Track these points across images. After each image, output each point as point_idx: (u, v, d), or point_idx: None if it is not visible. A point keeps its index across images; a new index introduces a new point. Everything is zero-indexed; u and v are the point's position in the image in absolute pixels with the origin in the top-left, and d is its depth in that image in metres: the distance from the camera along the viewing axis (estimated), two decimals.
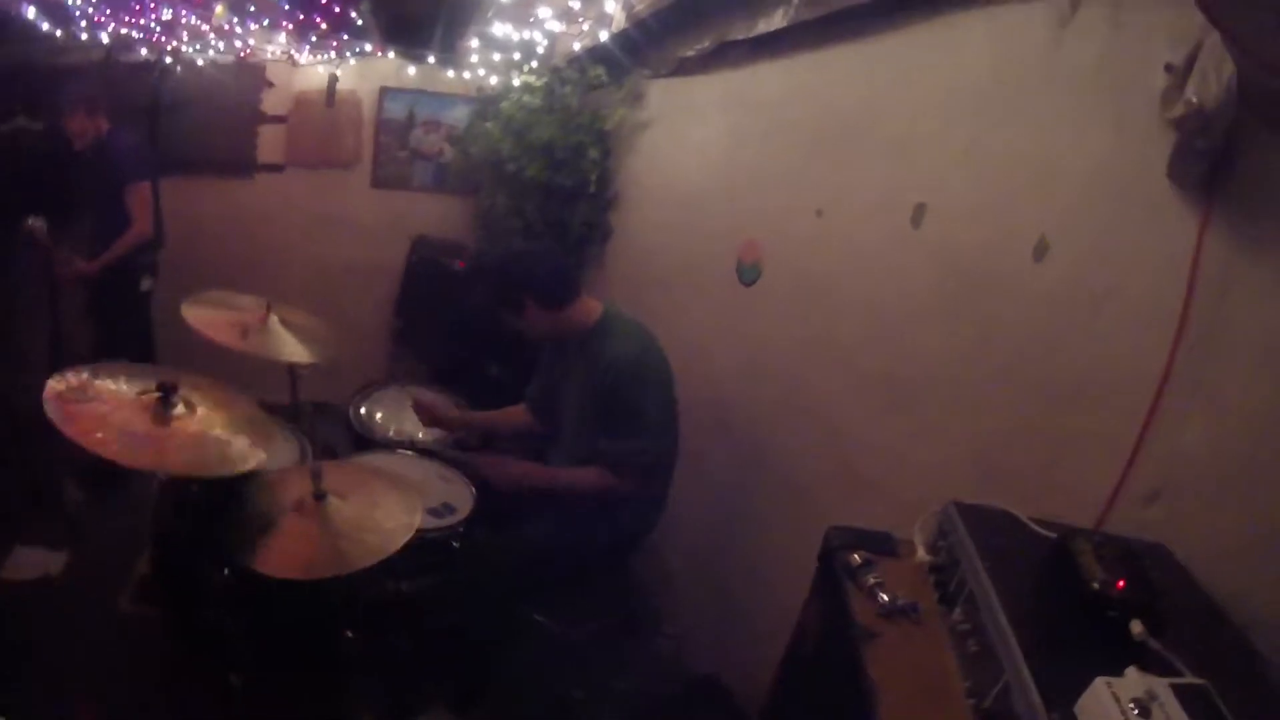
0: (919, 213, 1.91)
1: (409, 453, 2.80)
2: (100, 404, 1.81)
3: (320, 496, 1.98)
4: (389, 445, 2.88)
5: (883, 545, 1.33)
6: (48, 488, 3.64)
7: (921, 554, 1.28)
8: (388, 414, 3.13)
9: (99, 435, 1.70)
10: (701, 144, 3.26)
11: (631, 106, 3.93)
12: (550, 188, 4.18)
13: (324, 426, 2.76)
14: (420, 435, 2.98)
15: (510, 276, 2.44)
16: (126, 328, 4.01)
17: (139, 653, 2.52)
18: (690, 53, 3.09)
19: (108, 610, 2.80)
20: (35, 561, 3.20)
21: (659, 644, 3.02)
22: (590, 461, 2.33)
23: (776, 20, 2.40)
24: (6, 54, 4.36)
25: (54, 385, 1.81)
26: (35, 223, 3.57)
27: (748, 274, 2.78)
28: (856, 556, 1.26)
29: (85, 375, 1.88)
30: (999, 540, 1.15)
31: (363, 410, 3.10)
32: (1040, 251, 1.52)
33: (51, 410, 1.72)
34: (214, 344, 2.19)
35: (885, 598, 1.17)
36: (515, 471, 2.50)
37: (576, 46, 3.75)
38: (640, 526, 2.55)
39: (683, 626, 3.02)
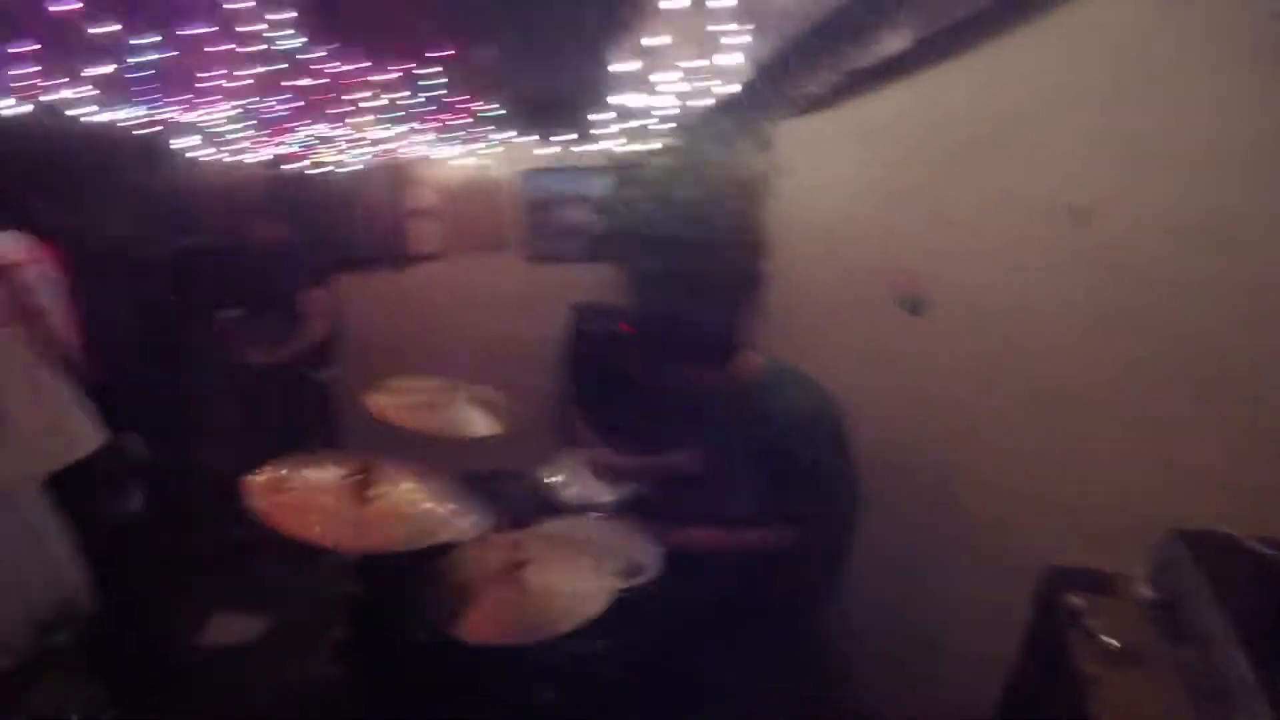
0: (1078, 215, 1.77)
1: (594, 515, 2.82)
2: (300, 492, 1.96)
3: (516, 564, 2.05)
4: (574, 510, 2.90)
5: (1099, 583, 1.23)
6: (245, 555, 3.97)
7: (1143, 590, 1.17)
8: (569, 478, 3.14)
9: (302, 522, 1.83)
10: (840, 178, 3.21)
11: (765, 151, 3.94)
12: (697, 243, 4.23)
13: (509, 495, 2.86)
14: (602, 498, 2.99)
15: (672, 336, 2.46)
16: (309, 414, 4.39)
17: (336, 716, 2.68)
18: (816, 89, 3.07)
19: (305, 673, 2.98)
20: (234, 627, 3.47)
21: (849, 698, 2.90)
22: (766, 520, 2.28)
23: (898, 42, 2.35)
24: (176, 177, 5.01)
25: (255, 478, 1.96)
26: (227, 316, 4.02)
27: (906, 303, 2.67)
28: (1074, 598, 1.18)
29: (284, 470, 2.04)
30: (1229, 569, 1.04)
31: (545, 477, 3.13)
32: (1226, 243, 1.36)
33: (253, 501, 1.87)
34: (397, 427, 2.37)
35: (1109, 641, 1.09)
36: (699, 538, 2.47)
37: (704, 102, 3.80)
38: (823, 580, 2.47)
39: (874, 679, 2.88)
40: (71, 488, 2.75)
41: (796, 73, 3.17)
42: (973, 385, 2.28)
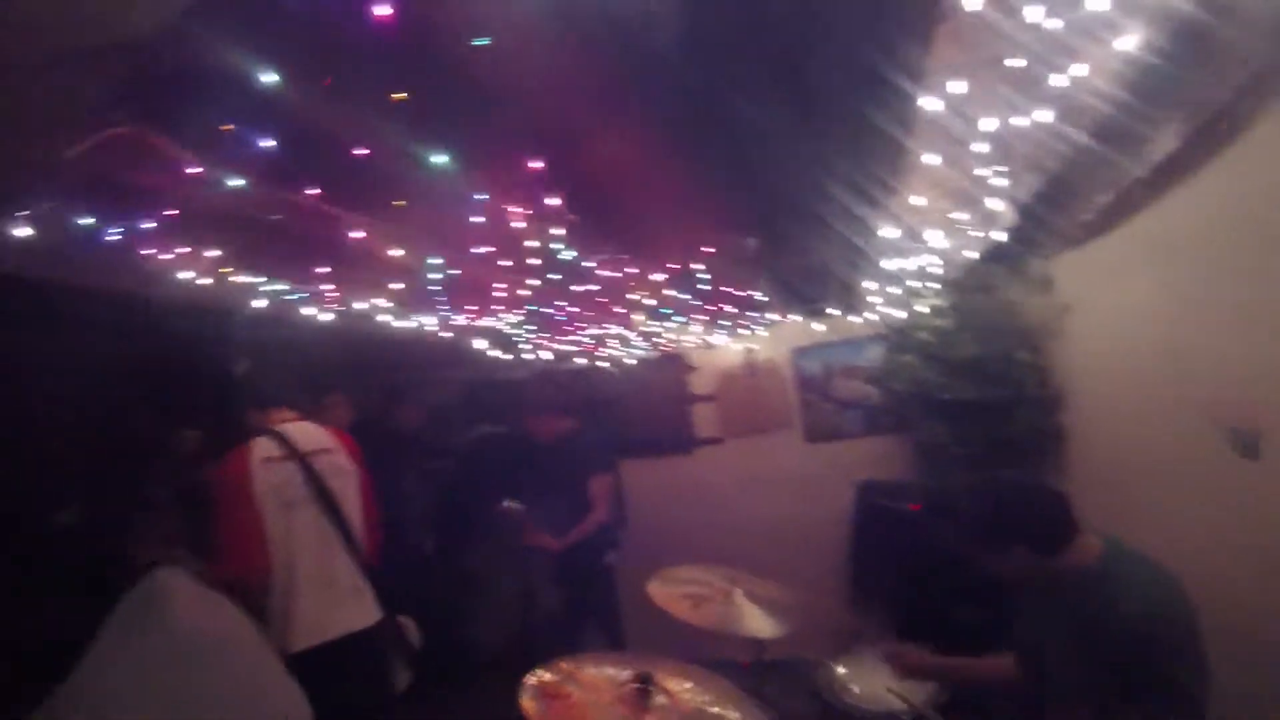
0: None
1: None
2: (578, 697, 1.97)
3: None
4: (861, 716, 2.68)
5: None
6: None
7: None
8: (854, 677, 2.92)
9: None
10: (1134, 305, 2.86)
11: (1046, 293, 3.65)
12: (987, 405, 3.94)
13: (788, 692, 2.73)
14: (895, 703, 2.65)
15: (993, 519, 2.06)
16: (593, 598, 4.46)
17: None
18: (1089, 215, 2.83)
19: None
20: None
21: None
22: None
23: (1168, 142, 2.11)
24: (465, 377, 5.62)
25: (532, 679, 2.01)
26: (510, 505, 4.31)
27: (1239, 442, 2.21)
28: None
29: (562, 670, 2.08)
30: None
31: (830, 675, 2.92)
32: None
33: (531, 703, 1.90)
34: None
35: None
36: None
37: (971, 253, 3.66)
38: None
39: None
40: (340, 662, 2.85)
41: (1065, 202, 2.96)
42: None
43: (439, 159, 2.42)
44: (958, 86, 2.06)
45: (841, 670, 2.92)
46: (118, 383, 4.12)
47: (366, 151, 2.39)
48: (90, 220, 2.61)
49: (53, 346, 3.65)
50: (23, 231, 2.47)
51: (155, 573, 2.27)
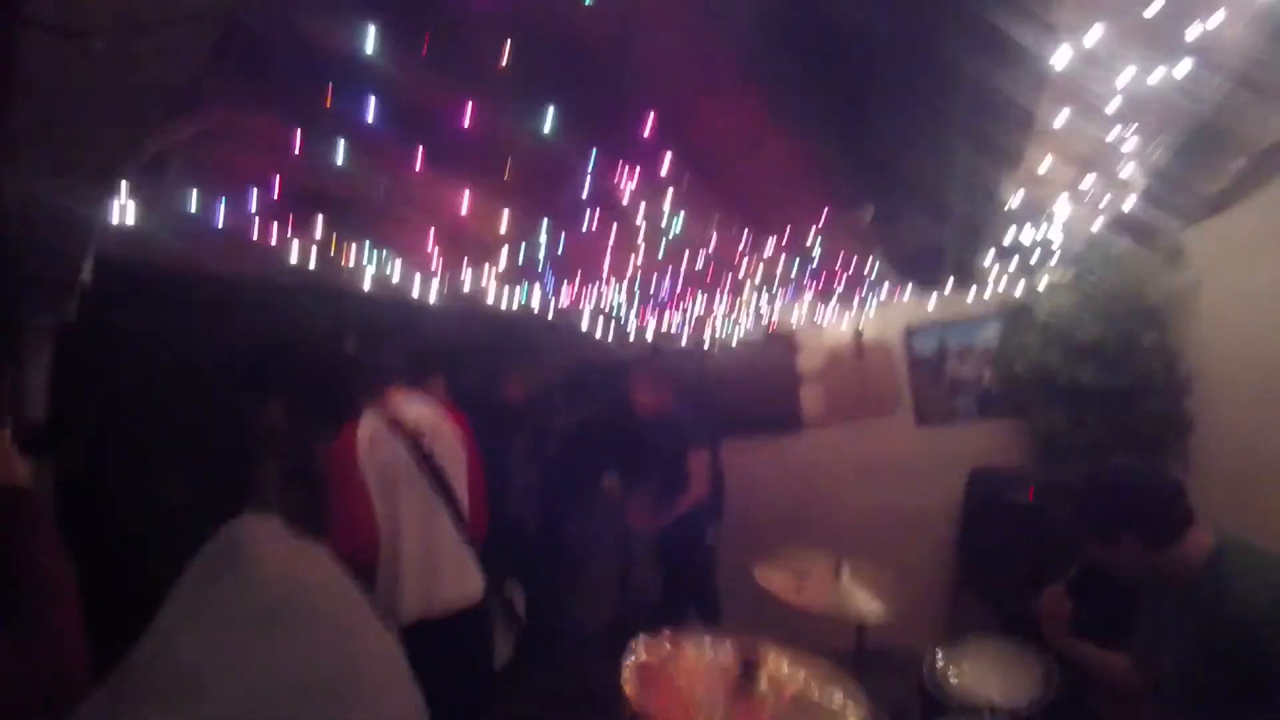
0: None
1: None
2: (679, 678, 2.01)
3: None
4: (968, 709, 2.60)
5: None
6: (598, 701, 4.05)
7: None
8: (962, 672, 2.83)
9: (680, 714, 1.86)
10: (1271, 283, 2.71)
11: (1174, 268, 3.48)
12: (1110, 390, 3.80)
13: (889, 680, 2.66)
14: (1004, 697, 2.62)
15: (1104, 508, 2.00)
16: (692, 577, 4.53)
17: None
18: (1224, 183, 2.69)
19: None
20: None
21: None
22: None
23: None
24: (572, 358, 5.71)
25: (633, 659, 2.04)
26: (610, 480, 4.40)
27: None
28: None
29: (662, 648, 2.11)
30: None
31: (936, 667, 2.84)
32: None
33: (631, 684, 1.93)
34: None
35: None
36: None
37: (1095, 225, 3.51)
38: None
39: None
40: (444, 637, 2.88)
41: (1197, 168, 2.81)
42: None
43: (548, 125, 2.44)
44: (1088, 40, 1.98)
45: (941, 661, 2.84)
46: (224, 365, 4.35)
47: (473, 120, 2.42)
48: (196, 202, 2.72)
49: (160, 329, 3.88)
50: (128, 215, 2.55)
51: (240, 518, 2.22)
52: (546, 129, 2.46)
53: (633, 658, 2.05)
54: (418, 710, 1.56)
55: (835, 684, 2.06)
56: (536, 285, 4.31)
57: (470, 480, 3.25)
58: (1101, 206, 3.29)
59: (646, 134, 2.77)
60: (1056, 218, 3.45)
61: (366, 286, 3.66)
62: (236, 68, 1.90)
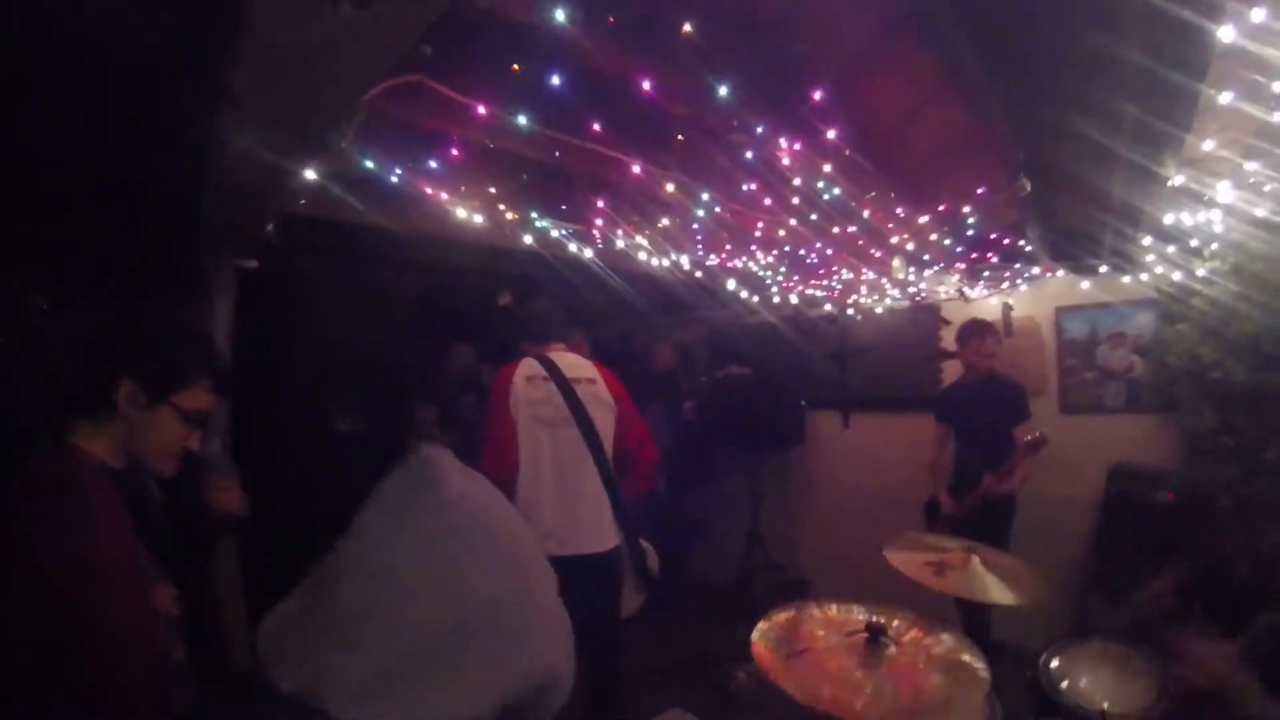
0: None
1: None
2: (808, 650, 2.06)
3: None
4: (1067, 713, 2.58)
5: None
6: (716, 660, 4.38)
7: None
8: (1079, 674, 2.75)
9: (810, 685, 1.89)
10: None
11: None
12: (1264, 392, 3.77)
13: (1006, 674, 2.59)
14: (1119, 703, 2.55)
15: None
16: None
17: None
18: None
19: None
20: None
21: None
22: None
23: None
24: (715, 316, 6.07)
25: (764, 622, 2.13)
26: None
27: None
28: None
29: (790, 614, 2.22)
30: None
31: (1053, 666, 2.78)
32: None
33: (761, 644, 2.04)
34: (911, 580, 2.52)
35: None
36: None
37: (1259, 212, 3.50)
38: None
39: None
40: (576, 578, 3.11)
41: None
42: None
43: (719, 90, 2.60)
44: (1255, 16, 2.01)
45: (1056, 661, 2.79)
46: (398, 312, 4.75)
47: (649, 87, 2.60)
48: (378, 162, 2.99)
49: (342, 278, 4.28)
50: (318, 172, 2.79)
51: (421, 448, 2.22)
52: (719, 97, 2.61)
53: (764, 621, 2.13)
54: (568, 635, 1.76)
55: (963, 650, 2.10)
56: (689, 249, 4.57)
57: (630, 434, 3.46)
58: (1266, 191, 3.28)
59: (813, 103, 2.93)
60: (1219, 202, 3.43)
61: (530, 244, 3.98)
62: (421, 34, 2.03)
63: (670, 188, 3.53)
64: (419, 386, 4.78)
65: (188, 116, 2.18)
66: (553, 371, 3.30)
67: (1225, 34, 2.06)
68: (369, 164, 3.00)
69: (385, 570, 1.51)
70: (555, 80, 2.54)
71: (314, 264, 3.95)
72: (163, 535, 1.77)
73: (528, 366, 3.31)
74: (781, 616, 2.18)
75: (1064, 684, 2.68)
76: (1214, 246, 4.07)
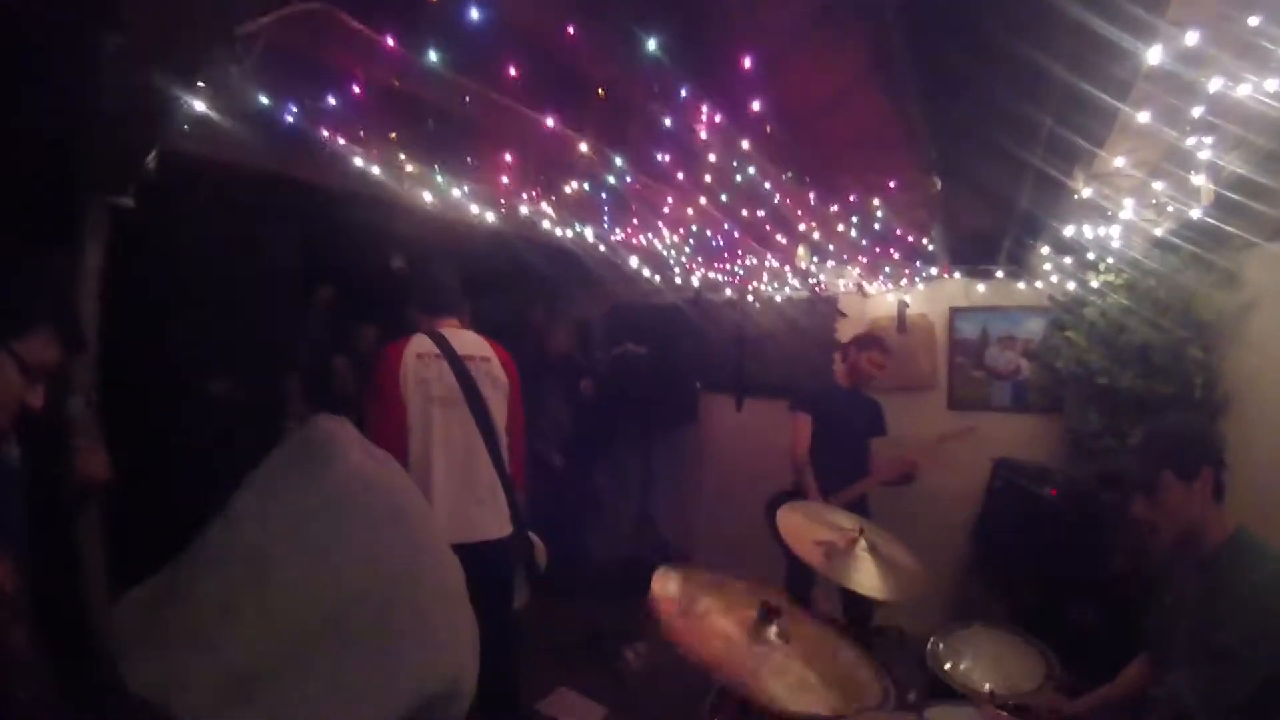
0: None
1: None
2: (706, 616, 2.08)
3: None
4: (964, 698, 2.59)
5: None
6: (605, 640, 4.31)
7: None
8: (962, 659, 2.85)
9: (703, 645, 1.92)
10: None
11: (1229, 287, 3.60)
12: (1146, 399, 3.92)
13: (893, 657, 2.68)
14: (990, 689, 2.62)
15: (1147, 453, 2.21)
16: None
17: None
18: None
19: None
20: (574, 706, 3.74)
21: None
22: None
23: None
24: (615, 295, 6.04)
25: (662, 590, 2.09)
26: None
27: None
28: None
29: (689, 582, 2.20)
30: None
31: (939, 650, 2.87)
32: None
33: (659, 611, 1.99)
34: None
35: None
36: None
37: (1158, 232, 3.61)
38: None
39: None
40: (471, 565, 2.96)
41: (1267, 190, 2.89)
42: None
43: (646, 44, 2.40)
44: (1187, 40, 1.97)
45: (944, 645, 2.88)
46: (282, 266, 4.42)
47: (570, 42, 2.44)
48: (269, 97, 2.69)
49: (223, 225, 3.94)
50: (199, 105, 2.53)
51: (318, 419, 2.14)
52: (644, 53, 2.42)
53: (662, 589, 2.09)
54: (470, 627, 1.60)
55: (846, 643, 2.19)
56: (595, 221, 4.42)
57: (511, 417, 3.34)
58: (1168, 211, 3.36)
59: (740, 71, 2.81)
60: (1121, 219, 3.50)
61: (429, 202, 3.72)
62: None
63: (583, 148, 3.35)
64: (286, 351, 4.45)
65: (60, 28, 1.93)
66: (445, 348, 3.14)
67: (1153, 55, 2.05)
68: (263, 98, 2.70)
69: (253, 559, 1.44)
70: (474, 15, 2.33)
71: (194, 207, 3.60)
72: (9, 500, 1.57)
73: (419, 343, 3.13)
74: (678, 583, 2.16)
75: (948, 666, 2.77)
76: (1109, 261, 4.20)
